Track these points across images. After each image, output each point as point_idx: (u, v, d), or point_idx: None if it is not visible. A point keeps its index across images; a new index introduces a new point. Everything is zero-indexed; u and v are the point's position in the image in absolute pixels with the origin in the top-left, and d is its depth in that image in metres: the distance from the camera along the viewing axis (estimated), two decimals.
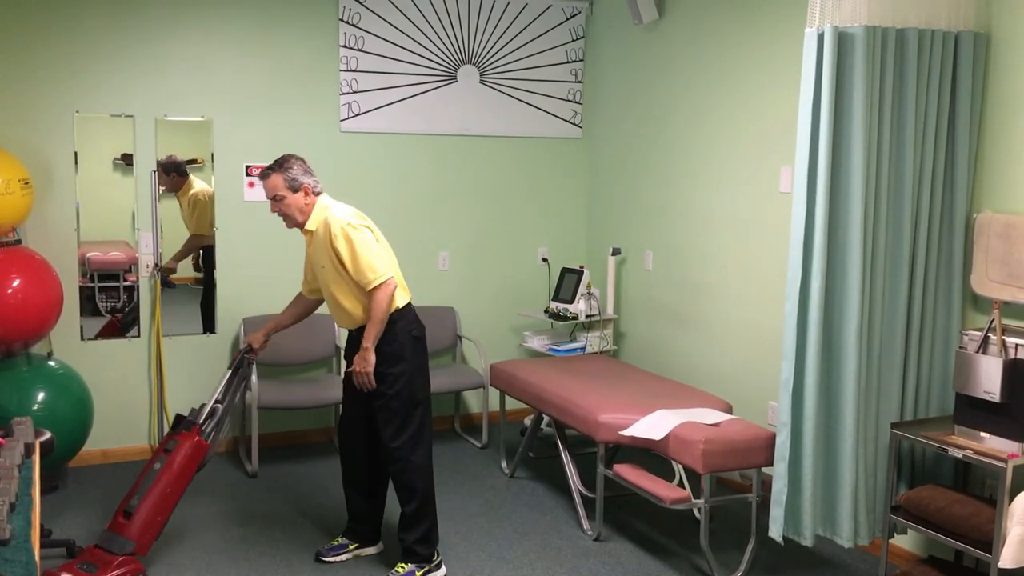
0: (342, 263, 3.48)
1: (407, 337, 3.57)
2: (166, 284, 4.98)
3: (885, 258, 3.42)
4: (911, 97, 3.36)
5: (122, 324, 4.94)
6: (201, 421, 3.67)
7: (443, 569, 3.66)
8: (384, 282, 3.46)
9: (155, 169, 4.88)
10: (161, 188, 4.90)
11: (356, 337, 3.61)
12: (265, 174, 3.56)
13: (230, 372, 3.85)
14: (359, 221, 3.53)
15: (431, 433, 3.67)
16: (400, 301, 3.56)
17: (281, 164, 3.55)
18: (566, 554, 3.90)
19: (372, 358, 3.49)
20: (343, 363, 5.17)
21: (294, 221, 3.59)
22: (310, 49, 5.17)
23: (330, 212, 3.54)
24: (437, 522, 3.68)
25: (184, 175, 5.00)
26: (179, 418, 3.72)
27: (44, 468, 2.91)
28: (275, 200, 3.56)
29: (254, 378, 4.74)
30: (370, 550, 3.85)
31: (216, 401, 3.76)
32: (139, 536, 3.47)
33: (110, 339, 4.91)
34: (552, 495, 4.57)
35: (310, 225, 3.57)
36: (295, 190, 3.53)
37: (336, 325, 5.15)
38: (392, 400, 3.53)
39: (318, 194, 3.59)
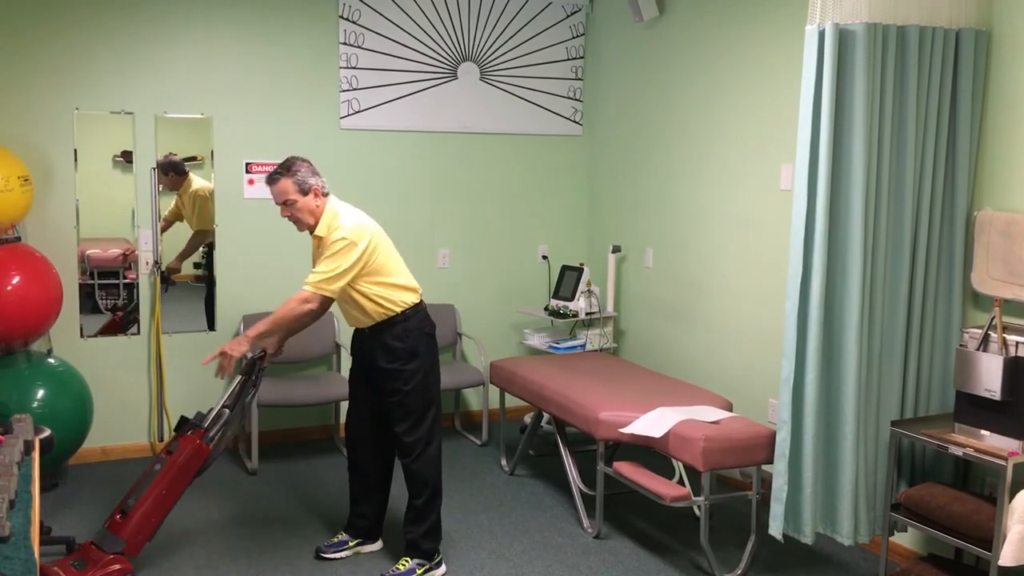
0: (321, 254, 3.45)
1: (420, 334, 3.56)
2: (166, 282, 4.97)
3: (886, 256, 3.42)
4: (912, 94, 3.36)
5: (123, 322, 4.93)
6: (206, 425, 3.60)
7: (443, 567, 3.66)
8: (315, 294, 3.39)
9: (155, 167, 4.88)
10: (160, 187, 4.90)
11: (366, 335, 3.60)
12: (273, 179, 3.48)
13: (241, 377, 3.77)
14: (361, 238, 3.43)
15: (441, 427, 3.67)
16: (410, 299, 3.55)
17: (288, 168, 3.47)
18: (566, 551, 3.90)
19: (244, 347, 3.46)
20: (344, 360, 5.20)
21: (305, 224, 3.52)
22: (310, 46, 5.16)
23: (340, 219, 3.47)
24: (441, 518, 3.68)
25: (182, 174, 4.99)
26: (183, 420, 3.64)
27: (44, 465, 2.90)
28: (286, 205, 3.48)
29: None
30: (371, 547, 3.85)
31: (224, 405, 3.68)
32: (131, 536, 3.46)
33: (110, 336, 4.91)
34: (552, 493, 4.57)
35: (319, 231, 3.49)
36: (305, 192, 3.46)
37: (336, 322, 5.18)
38: (408, 396, 3.52)
39: (326, 195, 3.53)
